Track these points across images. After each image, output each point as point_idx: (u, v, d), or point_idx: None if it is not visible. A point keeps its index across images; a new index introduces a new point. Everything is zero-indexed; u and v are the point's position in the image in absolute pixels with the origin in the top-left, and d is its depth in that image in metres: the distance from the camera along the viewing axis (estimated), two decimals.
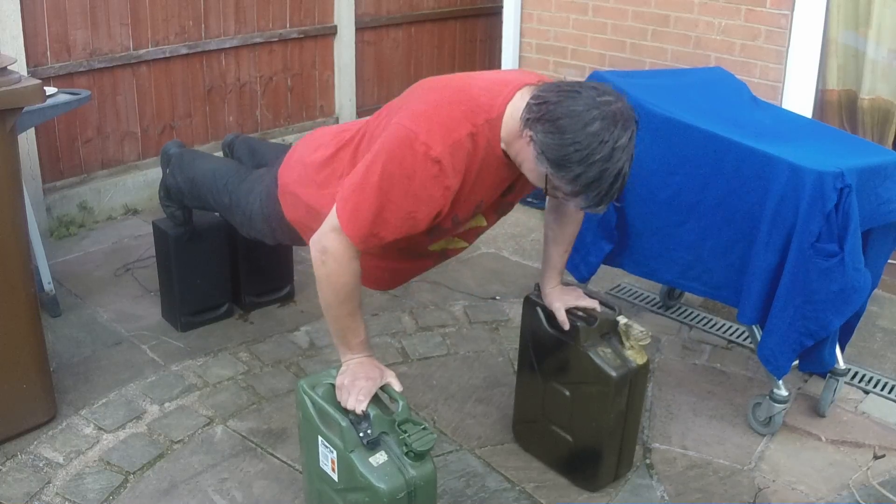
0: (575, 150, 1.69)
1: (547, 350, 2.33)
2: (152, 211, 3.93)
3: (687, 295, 3.36)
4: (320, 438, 1.90)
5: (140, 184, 4.18)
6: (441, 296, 3.44)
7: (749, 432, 2.62)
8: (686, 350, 3.08)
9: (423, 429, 1.82)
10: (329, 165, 2.17)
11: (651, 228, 2.74)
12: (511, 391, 2.59)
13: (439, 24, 5.56)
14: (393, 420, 1.84)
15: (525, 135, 1.77)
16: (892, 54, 3.65)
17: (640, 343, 2.25)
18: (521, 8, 4.55)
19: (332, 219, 1.88)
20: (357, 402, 1.84)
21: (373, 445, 1.81)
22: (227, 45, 4.42)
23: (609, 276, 3.47)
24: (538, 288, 2.34)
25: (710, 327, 3.22)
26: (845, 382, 2.74)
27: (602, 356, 2.21)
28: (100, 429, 2.54)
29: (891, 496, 2.34)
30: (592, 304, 2.26)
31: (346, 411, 1.85)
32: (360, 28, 5.06)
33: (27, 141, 3.60)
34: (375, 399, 1.87)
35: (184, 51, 4.22)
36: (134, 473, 2.37)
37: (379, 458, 1.80)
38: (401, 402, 1.87)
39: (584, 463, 2.33)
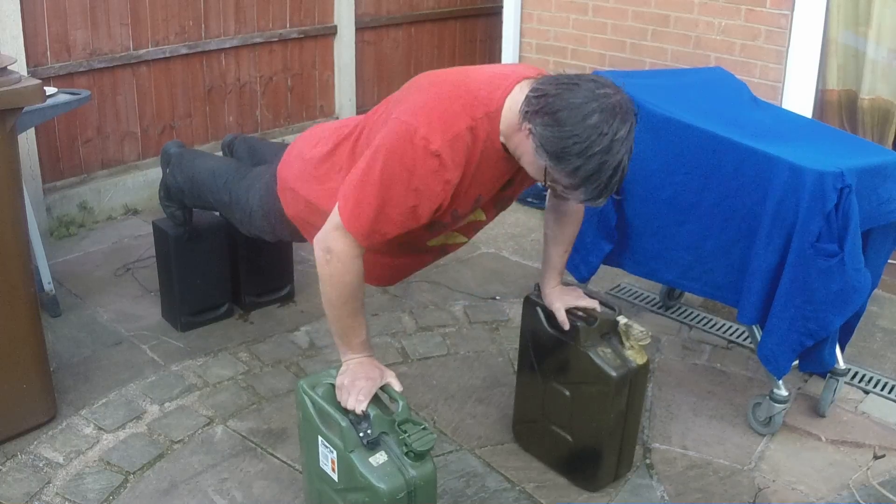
0: (574, 142, 1.68)
1: (547, 350, 2.33)
2: (152, 211, 3.93)
3: (687, 295, 3.36)
4: (320, 438, 1.90)
5: (140, 184, 4.18)
6: (441, 296, 3.44)
7: (749, 432, 2.62)
8: (686, 350, 3.08)
9: (423, 429, 1.82)
10: (328, 160, 2.17)
11: (651, 228, 2.74)
12: (511, 391, 2.59)
13: (439, 24, 5.56)
14: (393, 420, 1.84)
15: (524, 128, 1.77)
16: (892, 54, 3.65)
17: (640, 343, 2.25)
18: (521, 8, 4.56)
19: (334, 217, 1.88)
20: (357, 402, 1.84)
21: (373, 445, 1.81)
22: (227, 45, 4.42)
23: (609, 276, 3.47)
24: (538, 288, 2.34)
25: (710, 327, 3.22)
26: (845, 382, 2.74)
27: (602, 356, 2.21)
28: (100, 429, 2.54)
29: (891, 496, 2.34)
30: (592, 304, 2.26)
31: (346, 411, 1.85)
32: (360, 28, 5.07)
33: (27, 141, 3.60)
34: (375, 399, 1.87)
35: (184, 51, 4.22)
36: (134, 473, 2.37)
37: (379, 458, 1.80)
38: (401, 402, 1.87)
39: (584, 463, 2.33)
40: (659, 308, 3.36)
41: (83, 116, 3.92)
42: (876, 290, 2.98)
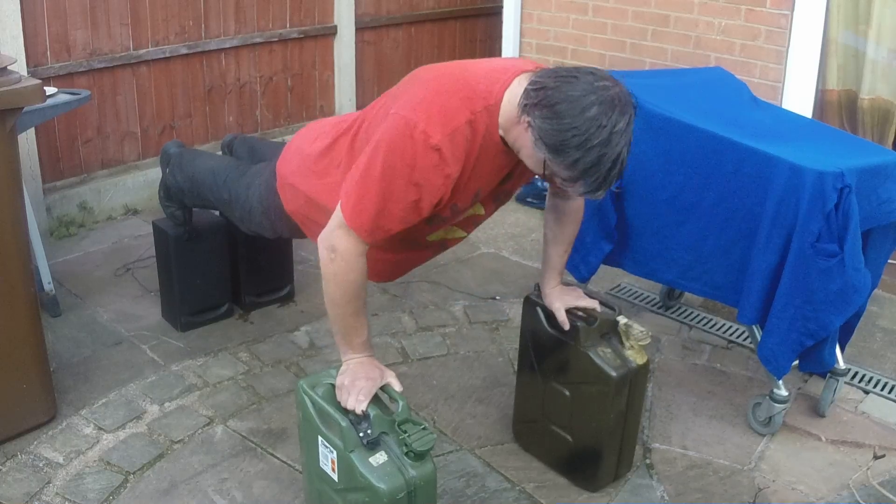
0: (573, 135, 1.68)
1: (547, 350, 2.33)
2: (152, 211, 3.93)
3: (687, 295, 3.36)
4: (320, 438, 1.90)
5: (140, 184, 4.18)
6: (441, 296, 3.44)
7: (749, 432, 2.62)
8: (686, 350, 3.08)
9: (423, 429, 1.82)
10: (327, 155, 2.17)
11: (651, 228, 2.74)
12: (511, 391, 2.59)
13: (439, 24, 5.56)
14: (393, 420, 1.84)
15: (523, 121, 1.77)
16: (892, 54, 3.65)
17: (640, 343, 2.25)
18: (521, 8, 4.55)
19: (337, 216, 1.88)
20: (357, 402, 1.84)
21: (373, 445, 1.81)
22: (227, 45, 4.42)
23: (609, 276, 3.47)
24: (538, 288, 2.34)
25: (710, 327, 3.22)
26: (845, 382, 2.74)
27: (602, 356, 2.21)
28: (100, 429, 2.54)
29: (891, 496, 2.34)
30: (592, 304, 2.26)
31: (346, 411, 1.85)
32: (360, 28, 5.07)
33: (27, 141, 3.60)
34: (375, 399, 1.87)
35: (184, 51, 4.22)
36: (134, 473, 2.37)
37: (379, 458, 1.80)
38: (401, 402, 1.87)
39: (584, 463, 2.32)
40: (659, 308, 3.35)
41: (83, 116, 3.92)
42: (876, 290, 2.98)
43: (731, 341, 3.13)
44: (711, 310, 3.33)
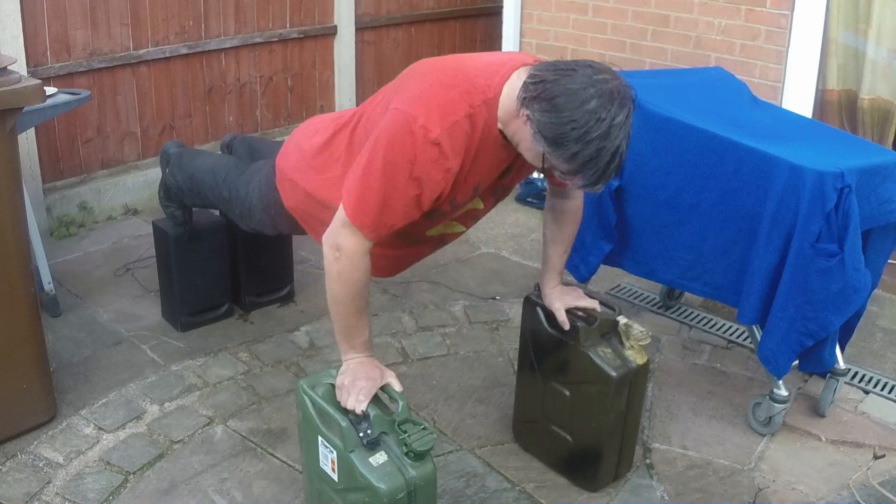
0: (572, 128, 1.68)
1: (547, 350, 2.33)
2: (152, 211, 3.93)
3: (687, 295, 3.36)
4: (320, 438, 1.90)
5: (140, 184, 4.18)
6: (441, 296, 3.44)
7: (749, 432, 2.62)
8: (686, 350, 3.08)
9: (423, 429, 1.82)
10: (326, 150, 2.17)
11: (651, 228, 2.74)
12: (511, 391, 2.59)
13: (439, 24, 5.56)
14: (393, 420, 1.84)
15: (522, 114, 1.77)
16: (892, 54, 3.65)
17: (640, 343, 2.25)
18: (521, 8, 4.55)
19: (340, 214, 1.89)
20: (357, 402, 1.84)
21: (373, 445, 1.81)
22: (227, 45, 4.42)
23: (609, 276, 3.47)
24: (538, 288, 2.34)
25: (710, 327, 3.22)
26: (845, 382, 2.74)
27: (602, 356, 2.21)
28: (100, 429, 2.54)
29: (891, 496, 2.34)
30: (592, 304, 2.26)
31: (346, 411, 1.85)
32: (360, 28, 5.06)
33: (27, 141, 3.60)
34: (375, 399, 1.87)
35: (184, 51, 4.22)
36: (134, 473, 2.37)
37: (379, 458, 1.80)
38: (401, 402, 1.87)
39: (584, 463, 2.32)
40: (659, 308, 3.36)
41: (83, 116, 3.92)
42: (876, 290, 2.98)
43: (731, 341, 3.13)
44: (711, 310, 3.33)
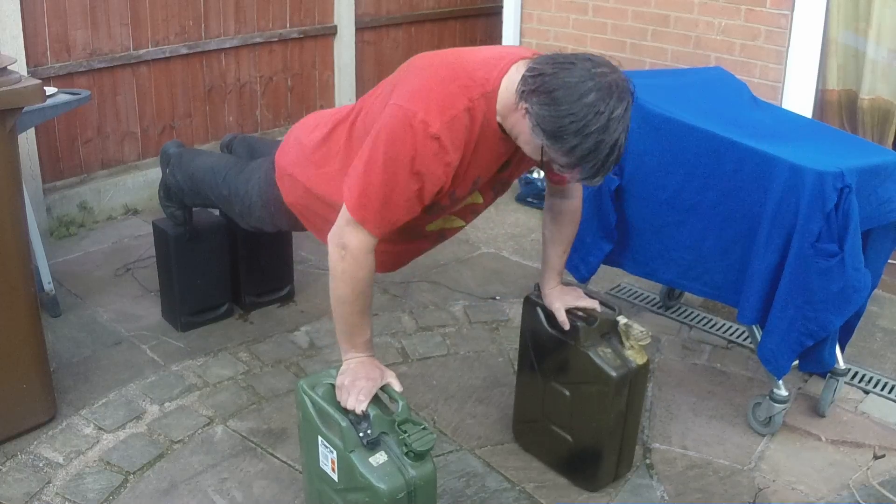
0: (570, 121, 1.68)
1: (547, 350, 2.33)
2: (152, 211, 3.93)
3: (687, 295, 3.36)
4: (320, 438, 1.90)
5: (140, 184, 4.18)
6: (441, 296, 3.44)
7: (749, 432, 2.62)
8: (686, 350, 3.08)
9: (423, 429, 1.82)
10: (325, 144, 2.17)
11: (651, 228, 2.74)
12: (511, 391, 2.59)
13: (439, 24, 5.56)
14: (393, 420, 1.84)
15: (520, 107, 1.77)
16: (892, 54, 3.65)
17: (640, 343, 2.25)
18: (521, 8, 4.55)
19: (344, 213, 1.89)
20: (357, 402, 1.84)
21: (373, 445, 1.81)
22: (227, 45, 4.42)
23: (609, 276, 3.47)
24: (538, 288, 2.34)
25: (710, 327, 3.22)
26: (845, 382, 2.74)
27: (602, 356, 2.21)
28: (100, 429, 2.54)
29: (891, 496, 2.34)
30: (592, 304, 2.26)
31: (346, 411, 1.85)
32: (360, 28, 5.07)
33: (27, 141, 3.60)
34: (375, 399, 1.87)
35: (184, 51, 4.22)
36: (134, 473, 2.37)
37: (379, 458, 1.80)
38: (401, 403, 1.87)
39: (584, 463, 2.32)
40: (659, 308, 3.36)
41: (83, 116, 3.92)
42: (876, 290, 2.98)
43: (731, 341, 3.13)
44: (711, 310, 3.33)
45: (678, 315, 3.30)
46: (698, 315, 3.30)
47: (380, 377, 1.90)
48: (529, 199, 4.37)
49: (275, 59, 4.69)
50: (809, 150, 2.43)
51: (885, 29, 3.63)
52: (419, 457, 1.79)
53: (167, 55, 4.16)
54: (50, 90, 2.95)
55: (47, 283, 3.13)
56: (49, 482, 2.32)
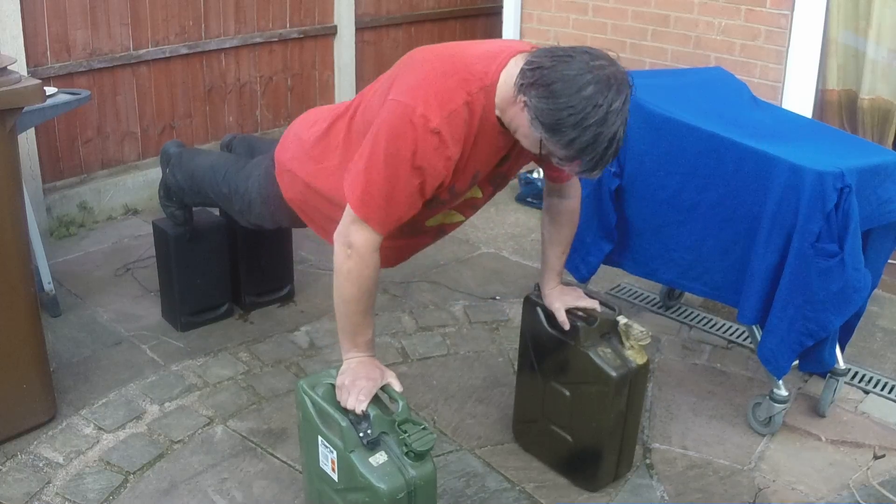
0: (569, 114, 1.68)
1: (547, 350, 2.33)
2: (152, 211, 3.93)
3: (687, 295, 3.36)
4: (320, 438, 1.90)
5: (140, 184, 4.18)
6: (441, 296, 3.44)
7: (749, 432, 2.62)
8: (686, 350, 3.08)
9: (423, 429, 1.82)
10: (325, 139, 2.18)
11: (651, 228, 2.74)
12: (511, 391, 2.59)
13: (439, 24, 5.56)
14: (393, 420, 1.84)
15: (519, 100, 1.77)
16: (892, 54, 3.65)
17: (640, 343, 2.25)
18: (521, 8, 4.56)
19: (349, 211, 1.89)
20: (357, 402, 1.84)
21: (373, 445, 1.81)
22: (227, 45, 4.42)
23: (609, 276, 3.47)
24: (538, 288, 2.34)
25: (710, 327, 3.22)
26: (845, 382, 2.74)
27: (602, 356, 2.21)
28: (100, 429, 2.54)
29: (891, 496, 2.34)
30: (592, 304, 2.26)
31: (346, 411, 1.85)
32: (360, 28, 5.07)
33: (27, 141, 3.59)
34: (375, 399, 1.87)
35: (184, 51, 4.22)
36: (134, 473, 2.37)
37: (379, 458, 1.80)
38: (401, 403, 1.87)
39: (584, 463, 2.32)
40: (659, 308, 3.35)
41: (83, 116, 3.92)
42: (876, 290, 2.98)
43: (731, 341, 3.13)
44: (711, 310, 3.33)
45: (678, 315, 3.30)
46: (698, 315, 3.30)
47: (380, 377, 1.90)
48: (529, 199, 4.37)
49: (275, 59, 4.69)
50: (809, 150, 2.43)
51: (885, 29, 3.63)
52: (419, 457, 1.79)
53: (167, 55, 4.16)
54: (50, 90, 2.95)
55: (47, 283, 3.13)
56: (49, 482, 2.32)
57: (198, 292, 3.07)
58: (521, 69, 1.77)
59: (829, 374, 2.64)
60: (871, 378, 2.90)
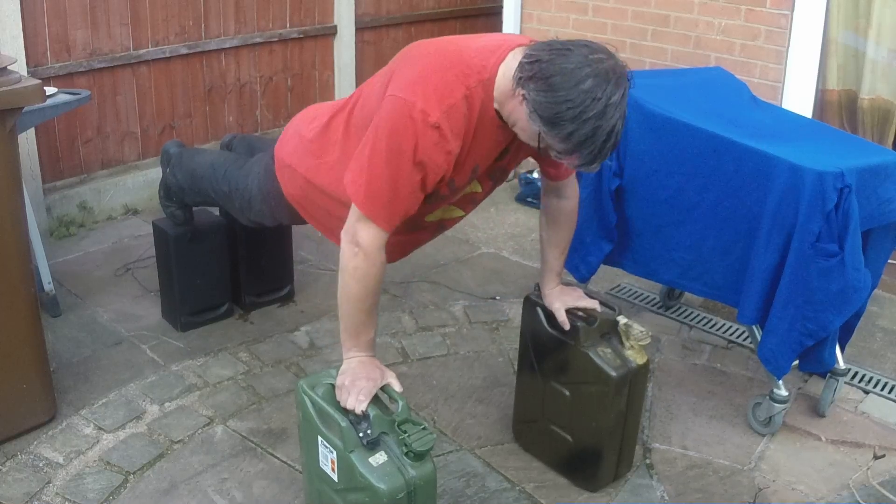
0: (567, 107, 1.68)
1: (547, 350, 2.33)
2: (152, 211, 3.93)
3: (687, 295, 3.36)
4: (320, 438, 1.89)
5: (140, 184, 4.18)
6: (441, 296, 3.44)
7: (749, 432, 2.62)
8: (686, 350, 3.08)
9: (423, 429, 1.82)
10: (324, 134, 2.18)
11: (651, 228, 2.74)
12: (511, 391, 2.59)
13: (439, 24, 5.56)
14: (393, 420, 1.84)
15: (517, 94, 1.76)
16: (892, 54, 3.65)
17: (640, 343, 2.25)
18: (521, 8, 4.55)
19: (354, 210, 1.90)
20: (357, 402, 1.84)
21: (373, 445, 1.81)
22: (227, 45, 4.42)
23: (609, 276, 3.47)
24: (538, 288, 2.34)
25: (710, 327, 3.22)
26: (845, 382, 2.74)
27: (602, 356, 2.21)
28: (100, 429, 2.54)
29: (891, 496, 2.34)
30: (592, 304, 2.26)
31: (345, 411, 1.85)
32: (360, 28, 5.07)
33: (27, 141, 3.59)
34: (375, 399, 1.87)
35: (184, 51, 4.22)
36: (134, 473, 2.37)
37: (379, 458, 1.80)
38: (401, 403, 1.87)
39: (584, 463, 2.32)
40: (659, 308, 3.35)
41: (83, 116, 3.92)
42: (876, 290, 2.98)
43: (731, 341, 3.13)
44: (711, 310, 3.33)
45: (678, 315, 3.30)
46: (698, 315, 3.30)
47: (380, 377, 1.90)
48: (529, 199, 4.37)
49: (275, 59, 4.69)
50: (809, 150, 2.43)
51: (885, 29, 3.63)
52: (419, 457, 1.79)
53: (167, 55, 4.16)
54: (50, 90, 2.95)
55: (47, 283, 3.13)
56: (49, 482, 2.31)
57: (198, 292, 3.07)
58: (520, 63, 1.77)
59: (829, 374, 2.64)
60: (871, 378, 2.90)
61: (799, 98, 3.70)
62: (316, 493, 1.99)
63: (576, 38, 1.80)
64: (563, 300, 2.27)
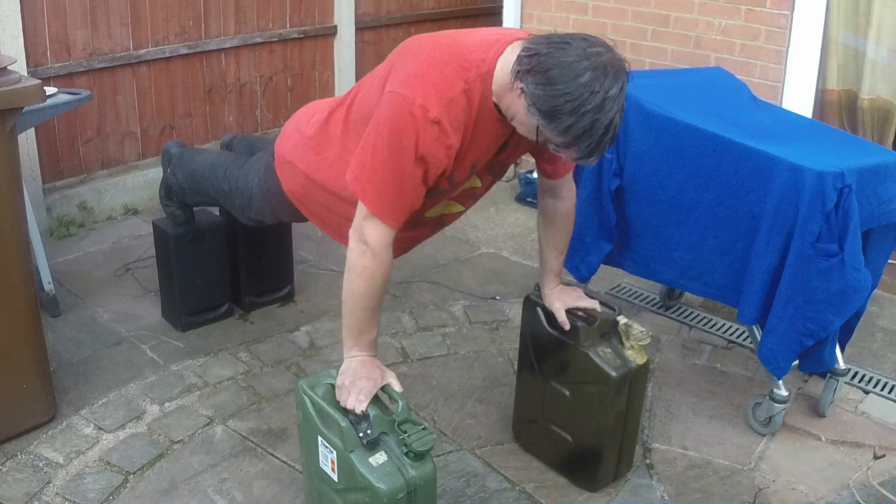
0: (566, 100, 1.68)
1: (547, 350, 2.33)
2: (152, 211, 3.93)
3: (687, 295, 3.36)
4: (320, 438, 1.90)
5: (140, 184, 4.18)
6: (441, 296, 3.44)
7: (749, 432, 2.62)
8: (686, 350, 3.08)
9: (423, 429, 1.82)
10: (324, 130, 2.18)
11: (651, 228, 2.74)
12: (511, 391, 2.59)
13: (439, 24, 5.56)
14: (393, 420, 1.84)
15: (516, 87, 1.76)
16: (892, 54, 3.65)
17: (640, 343, 2.25)
18: (521, 8, 4.56)
19: (361, 209, 1.90)
20: (357, 402, 1.84)
21: (372, 445, 1.81)
22: (227, 45, 4.42)
23: (609, 276, 3.47)
24: (538, 288, 2.34)
25: (710, 327, 3.22)
26: (845, 382, 2.74)
27: (602, 356, 2.21)
28: (100, 429, 2.54)
29: (891, 496, 2.34)
30: (592, 304, 2.26)
31: (345, 411, 1.85)
32: (360, 28, 5.07)
33: (27, 141, 3.59)
34: (375, 399, 1.87)
35: (184, 51, 4.22)
36: (134, 473, 2.37)
37: (379, 458, 1.80)
38: (401, 403, 1.87)
39: (584, 463, 2.32)
40: (659, 308, 3.35)
41: (83, 116, 3.92)
42: (876, 290, 2.98)
43: (731, 341, 3.13)
44: (711, 310, 3.33)
45: (678, 315, 3.30)
46: (698, 315, 3.30)
47: (380, 377, 1.90)
48: (529, 199, 4.37)
49: (275, 59, 4.69)
50: (809, 150, 2.43)
51: (885, 29, 3.63)
52: (419, 457, 1.79)
53: (167, 55, 4.16)
54: (50, 90, 2.95)
55: (47, 283, 3.13)
56: (49, 482, 2.32)
57: (198, 292, 3.07)
58: (518, 56, 1.77)
59: (829, 374, 2.64)
60: (871, 378, 2.90)
61: (799, 98, 3.70)
62: (316, 493, 1.99)
63: (575, 32, 1.80)
64: (563, 300, 2.27)
